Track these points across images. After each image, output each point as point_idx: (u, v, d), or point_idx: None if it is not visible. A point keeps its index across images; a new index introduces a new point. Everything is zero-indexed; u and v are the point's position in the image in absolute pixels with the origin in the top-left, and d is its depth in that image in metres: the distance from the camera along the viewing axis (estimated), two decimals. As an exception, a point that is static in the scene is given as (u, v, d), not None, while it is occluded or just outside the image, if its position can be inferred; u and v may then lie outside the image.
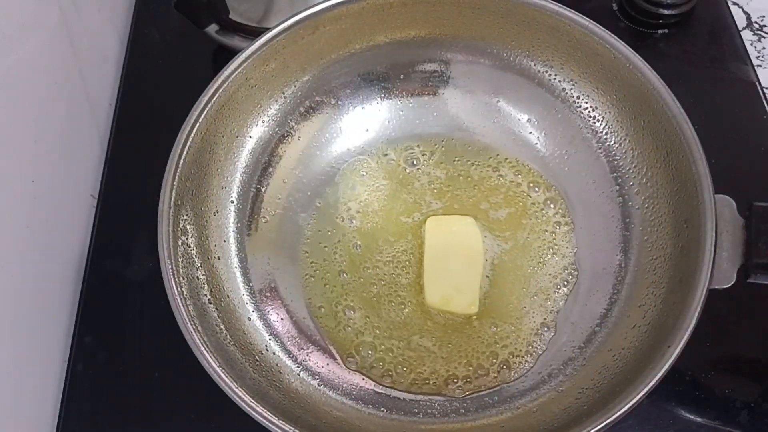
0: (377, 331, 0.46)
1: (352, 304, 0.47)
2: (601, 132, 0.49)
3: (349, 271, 0.48)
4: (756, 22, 0.64)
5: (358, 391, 0.45)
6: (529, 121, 0.52)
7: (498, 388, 0.44)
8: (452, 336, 0.46)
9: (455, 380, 0.45)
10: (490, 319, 0.46)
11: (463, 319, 0.46)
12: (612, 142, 0.49)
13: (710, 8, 0.63)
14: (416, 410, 0.44)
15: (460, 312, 0.46)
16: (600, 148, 0.49)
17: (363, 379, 0.45)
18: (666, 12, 0.61)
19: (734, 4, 0.65)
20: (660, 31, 0.62)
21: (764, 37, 0.63)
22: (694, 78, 0.59)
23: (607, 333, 0.44)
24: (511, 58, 0.50)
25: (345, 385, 0.45)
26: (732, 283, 0.40)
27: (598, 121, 0.49)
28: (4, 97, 0.44)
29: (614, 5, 0.63)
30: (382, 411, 0.44)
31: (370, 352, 0.46)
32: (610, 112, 0.48)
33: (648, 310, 0.43)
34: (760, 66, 0.61)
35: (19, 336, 0.45)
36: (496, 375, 0.45)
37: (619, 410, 0.36)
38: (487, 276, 0.48)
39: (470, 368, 0.45)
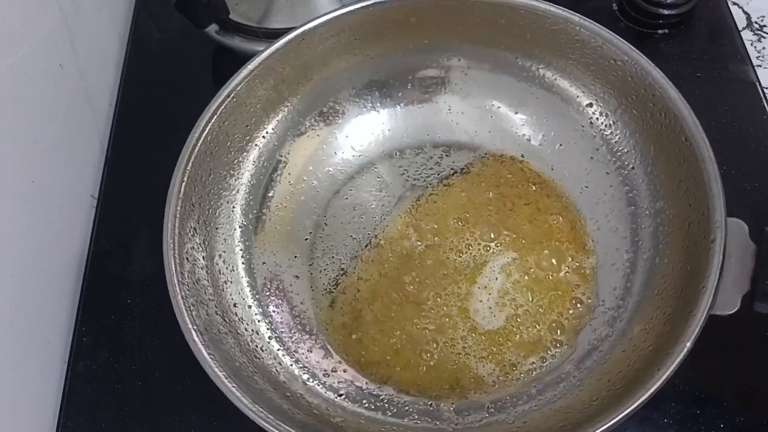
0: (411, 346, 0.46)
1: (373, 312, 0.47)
2: (614, 143, 0.49)
3: (360, 284, 0.48)
4: (756, 22, 0.64)
5: (357, 390, 0.45)
6: (526, 122, 0.52)
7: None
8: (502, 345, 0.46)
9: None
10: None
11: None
12: (623, 148, 0.48)
13: (710, 8, 0.63)
14: (415, 412, 0.44)
15: None
16: (614, 163, 0.49)
17: (364, 380, 0.45)
18: (666, 12, 0.61)
19: (734, 4, 0.65)
20: (660, 31, 0.62)
21: (764, 37, 0.63)
22: (694, 78, 0.59)
23: (605, 351, 0.43)
24: (513, 62, 0.51)
25: (344, 385, 0.45)
26: (735, 309, 0.38)
27: (610, 129, 0.49)
28: (4, 97, 0.44)
29: (614, 5, 0.63)
30: (380, 412, 0.44)
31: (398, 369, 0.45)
32: (622, 123, 0.48)
33: (650, 331, 0.41)
34: (760, 66, 0.61)
35: (20, 336, 0.45)
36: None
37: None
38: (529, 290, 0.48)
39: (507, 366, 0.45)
